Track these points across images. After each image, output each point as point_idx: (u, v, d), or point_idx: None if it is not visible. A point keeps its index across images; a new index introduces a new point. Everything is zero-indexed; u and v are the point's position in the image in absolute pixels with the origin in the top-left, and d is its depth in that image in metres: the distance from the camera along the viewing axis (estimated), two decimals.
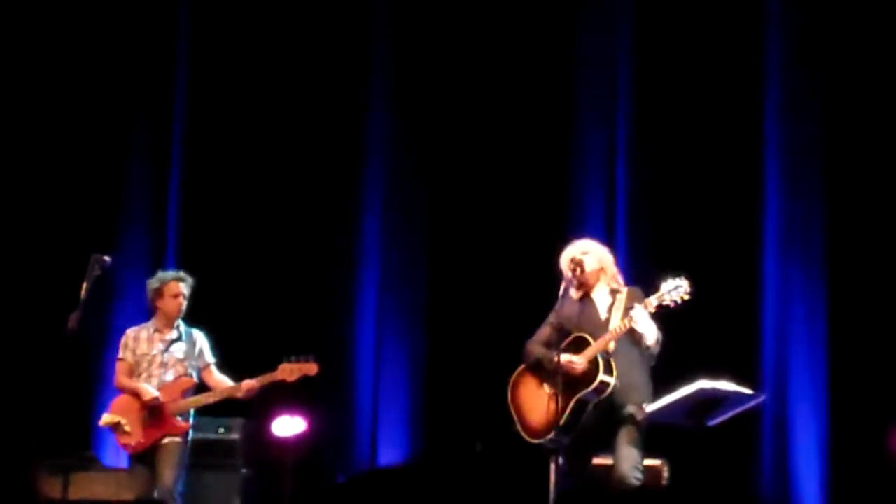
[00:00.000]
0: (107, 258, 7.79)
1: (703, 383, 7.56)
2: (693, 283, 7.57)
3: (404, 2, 11.07)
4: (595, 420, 7.54)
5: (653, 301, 7.56)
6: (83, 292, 7.62)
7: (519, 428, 7.76)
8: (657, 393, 7.74)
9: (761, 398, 8.38)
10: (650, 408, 7.63)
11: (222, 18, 11.18)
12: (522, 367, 7.83)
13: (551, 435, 7.53)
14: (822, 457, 9.86)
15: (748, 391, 7.84)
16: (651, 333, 7.59)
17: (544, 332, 7.81)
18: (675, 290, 7.54)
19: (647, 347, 7.62)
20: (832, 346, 9.97)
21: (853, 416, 9.73)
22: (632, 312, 7.52)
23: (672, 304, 7.55)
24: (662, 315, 7.70)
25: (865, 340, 9.85)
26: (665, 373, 7.92)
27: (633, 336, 7.61)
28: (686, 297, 7.53)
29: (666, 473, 8.71)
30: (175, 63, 11.18)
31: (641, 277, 8.62)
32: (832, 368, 9.94)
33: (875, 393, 9.66)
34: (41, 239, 10.79)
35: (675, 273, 7.67)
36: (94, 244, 8.57)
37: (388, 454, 10.60)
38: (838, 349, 9.95)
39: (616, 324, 7.60)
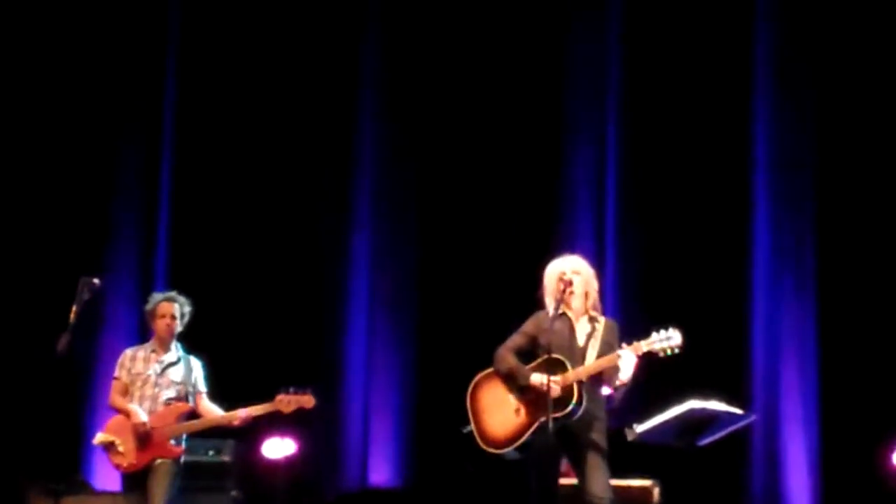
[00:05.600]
0: (96, 281, 7.76)
1: (694, 403, 7.56)
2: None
3: (394, 14, 11.08)
4: (558, 442, 7.32)
5: (642, 347, 7.32)
6: (72, 315, 7.59)
7: (475, 432, 7.56)
8: (648, 413, 7.72)
9: (752, 418, 8.39)
10: (640, 428, 7.59)
11: (211, 37, 11.18)
12: (490, 370, 7.59)
13: (511, 448, 7.38)
14: (812, 476, 9.86)
15: (739, 411, 7.85)
16: (625, 377, 7.34)
17: (518, 340, 7.59)
18: (666, 340, 7.31)
19: (616, 388, 7.38)
20: (822, 367, 9.97)
21: (844, 435, 9.74)
22: (621, 354, 7.30)
23: (661, 354, 7.33)
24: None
25: (856, 360, 9.85)
26: (656, 393, 7.90)
27: (602, 373, 7.39)
28: (676, 351, 7.30)
29: (657, 494, 8.68)
30: (164, 84, 11.18)
31: (631, 294, 8.62)
32: (822, 388, 9.95)
33: (866, 412, 9.67)
34: (30, 261, 10.77)
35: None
36: (83, 267, 8.54)
37: (379, 475, 10.57)
38: (829, 369, 9.95)
39: (593, 355, 7.38)
